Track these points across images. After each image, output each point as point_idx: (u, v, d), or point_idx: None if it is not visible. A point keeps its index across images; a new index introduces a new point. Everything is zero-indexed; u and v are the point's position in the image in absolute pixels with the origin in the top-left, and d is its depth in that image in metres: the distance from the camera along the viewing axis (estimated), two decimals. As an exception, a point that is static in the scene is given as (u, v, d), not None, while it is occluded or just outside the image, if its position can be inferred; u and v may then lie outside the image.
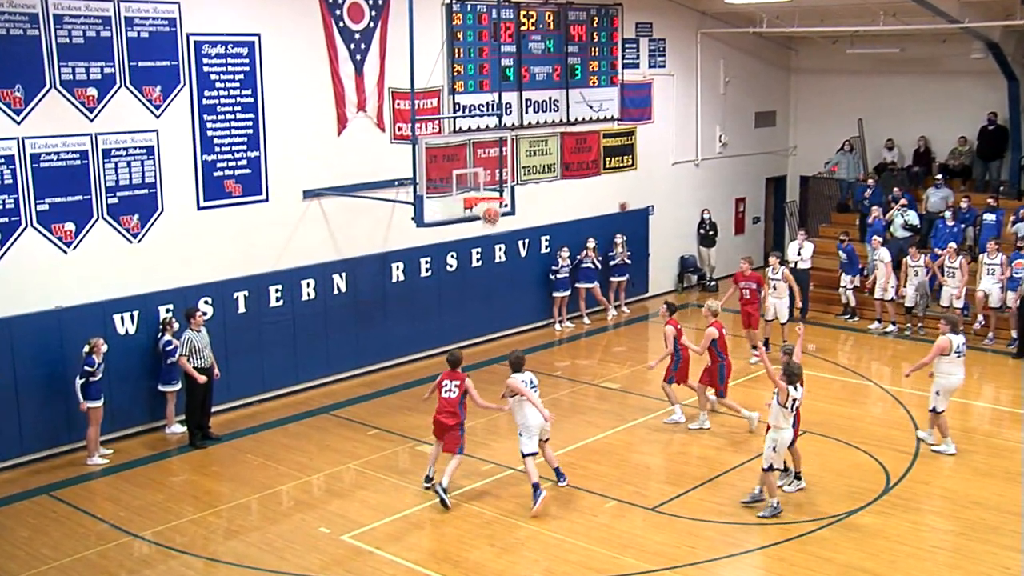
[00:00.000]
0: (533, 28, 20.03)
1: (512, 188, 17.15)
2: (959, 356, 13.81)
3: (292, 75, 16.62)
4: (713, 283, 24.43)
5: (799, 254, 20.94)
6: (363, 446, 14.66)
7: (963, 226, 21.10)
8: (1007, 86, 22.75)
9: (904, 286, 20.06)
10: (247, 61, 16.04)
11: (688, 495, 12.70)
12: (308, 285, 17.00)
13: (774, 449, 12.04)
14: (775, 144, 26.86)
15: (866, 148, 25.50)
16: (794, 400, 12.11)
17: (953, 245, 19.73)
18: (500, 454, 14.20)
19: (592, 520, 12.20)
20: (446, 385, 12.84)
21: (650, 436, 14.91)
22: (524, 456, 12.51)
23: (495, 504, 12.66)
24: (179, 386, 15.02)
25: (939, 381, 13.94)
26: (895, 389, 16.87)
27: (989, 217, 20.67)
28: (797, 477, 12.89)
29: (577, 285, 20.84)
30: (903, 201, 21.81)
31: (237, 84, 15.96)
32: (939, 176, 22.68)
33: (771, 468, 12.08)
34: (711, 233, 24.36)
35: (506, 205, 16.61)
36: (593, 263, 20.95)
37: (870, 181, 23.41)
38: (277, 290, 16.62)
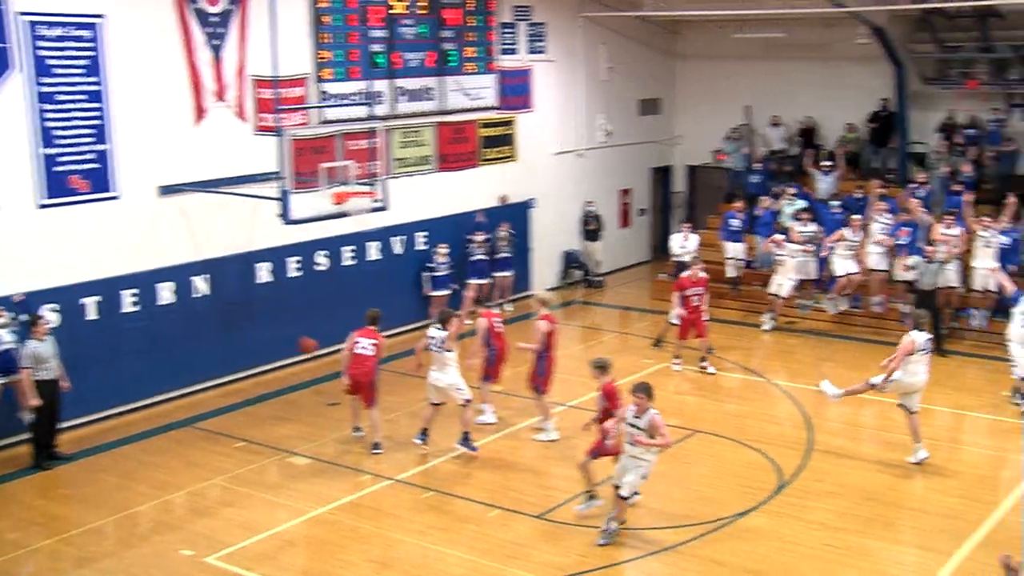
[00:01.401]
0: (405, 12, 19.89)
1: (385, 182, 17.02)
2: (923, 354, 13.66)
3: (143, 61, 16.14)
4: (599, 278, 24.69)
5: (683, 246, 21.36)
6: (230, 460, 14.35)
7: (848, 213, 21.71)
8: (893, 72, 23.58)
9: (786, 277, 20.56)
10: (91, 45, 15.50)
11: (576, 501, 12.77)
12: (166, 288, 16.57)
13: (643, 477, 11.76)
14: (661, 133, 27.30)
15: (754, 136, 26.09)
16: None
17: (858, 217, 20.45)
18: (375, 465, 14.09)
19: (476, 530, 12.18)
20: (360, 342, 14.21)
21: (535, 440, 14.96)
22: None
23: (373, 517, 12.54)
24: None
25: (906, 381, 13.73)
26: (787, 385, 17.30)
27: (881, 204, 21.35)
28: (591, 498, 12.55)
29: (470, 281, 20.62)
30: (791, 190, 22.41)
31: (81, 70, 15.41)
32: (827, 163, 23.36)
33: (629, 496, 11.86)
34: (596, 227, 24.63)
35: (379, 200, 16.47)
36: (487, 254, 21.08)
37: (756, 165, 23.96)
38: (133, 294, 16.15)
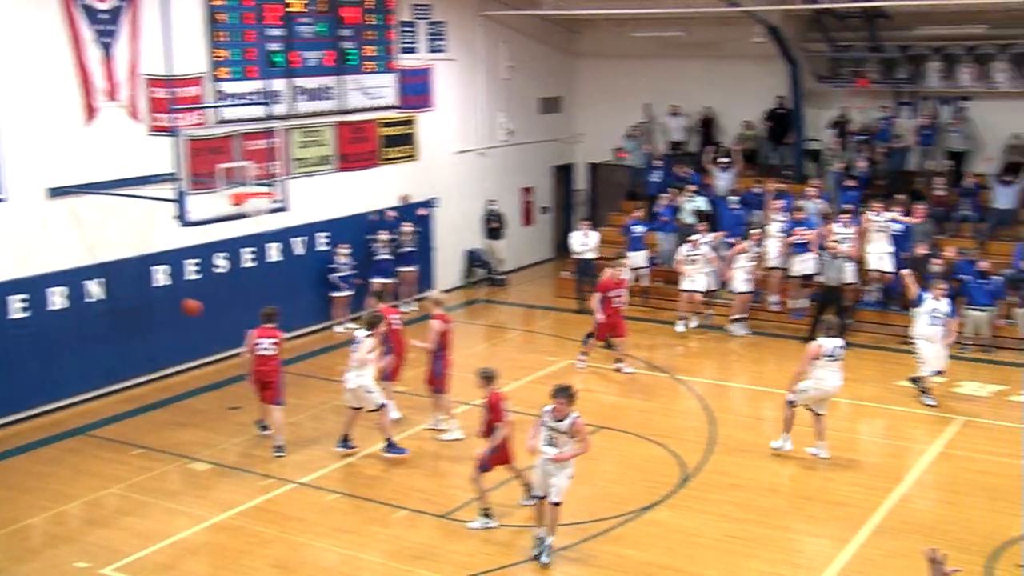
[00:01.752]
0: (302, 10, 19.70)
1: (284, 182, 16.87)
2: (832, 360, 13.70)
3: (28, 59, 15.72)
4: (502, 277, 24.79)
5: (584, 244, 21.56)
6: (127, 468, 14.07)
7: (746, 209, 22.17)
8: (788, 70, 24.12)
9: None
10: (-27, 42, 15.07)
11: (501, 489, 12.77)
12: (58, 293, 16.18)
13: (570, 477, 11.53)
14: (562, 131, 27.50)
15: (655, 133, 26.44)
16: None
17: (757, 232, 20.77)
18: (279, 468, 13.97)
19: (382, 532, 12.16)
20: (261, 343, 14.28)
21: (438, 440, 14.97)
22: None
23: (277, 522, 12.43)
24: None
25: (811, 384, 13.86)
26: (689, 379, 17.58)
27: (777, 202, 21.78)
28: (485, 515, 12.31)
29: (373, 280, 20.50)
30: (692, 187, 22.78)
31: (-37, 69, 14.98)
32: (725, 159, 23.81)
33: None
34: (498, 225, 24.74)
35: (279, 201, 16.32)
36: (391, 253, 21.08)
37: (657, 162, 24.29)
38: (21, 300, 15.73)
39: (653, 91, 26.24)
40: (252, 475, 13.74)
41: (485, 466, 12.17)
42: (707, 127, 25.78)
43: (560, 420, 11.18)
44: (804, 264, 20.24)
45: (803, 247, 20.11)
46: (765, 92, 24.84)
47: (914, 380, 16.47)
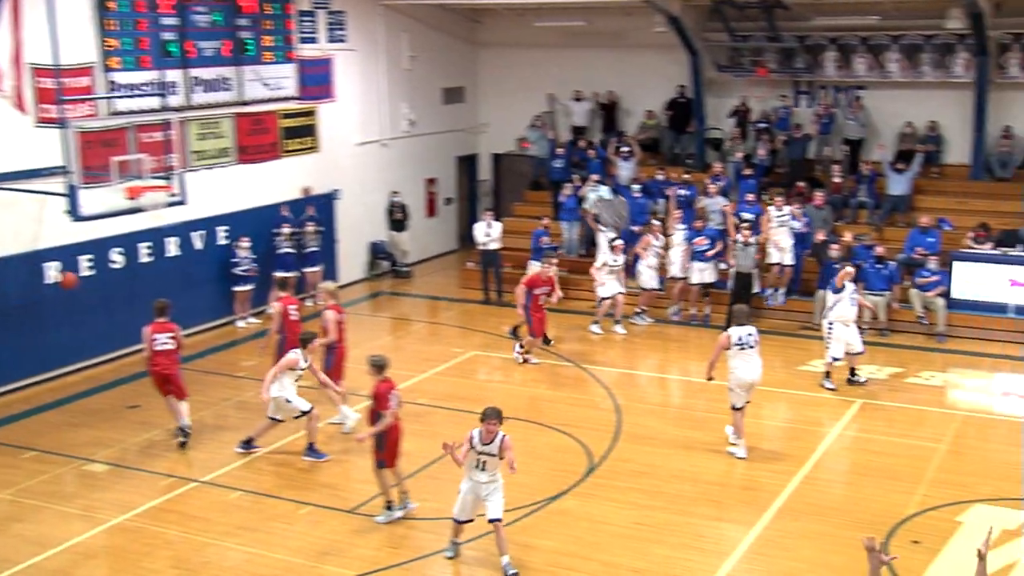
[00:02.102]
0: (197, -2, 19.38)
1: (182, 175, 16.57)
2: (742, 348, 13.65)
3: (-91, 48, 15.19)
4: (406, 268, 24.71)
5: (487, 234, 21.55)
6: (19, 471, 13.69)
7: (649, 200, 22.40)
8: (689, 60, 24.42)
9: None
10: None
11: (407, 481, 12.72)
12: (-57, 292, 15.69)
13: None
14: (465, 121, 27.48)
15: (557, 123, 26.57)
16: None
17: (657, 224, 20.92)
18: (180, 467, 13.74)
19: (287, 529, 12.04)
20: (158, 338, 14.14)
21: (342, 433, 14.86)
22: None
23: (179, 522, 12.22)
24: None
25: (728, 376, 13.92)
26: (596, 369, 17.73)
27: (682, 192, 22.05)
28: (388, 508, 12.28)
29: (275, 273, 20.14)
30: (594, 177, 22.92)
31: None
32: (625, 148, 24.03)
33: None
34: (402, 217, 24.64)
35: (175, 194, 16.02)
36: (294, 248, 20.85)
37: (560, 151, 24.39)
38: (-97, 300, 15.23)
39: (557, 81, 26.37)
40: (152, 475, 13.49)
41: (382, 462, 12.08)
42: (610, 112, 25.97)
43: (489, 443, 10.91)
44: (703, 273, 20.38)
45: (703, 256, 20.26)
46: (668, 81, 25.14)
47: (834, 361, 16.62)
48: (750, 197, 21.35)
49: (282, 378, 13.81)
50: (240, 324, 20.25)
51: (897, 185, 21.88)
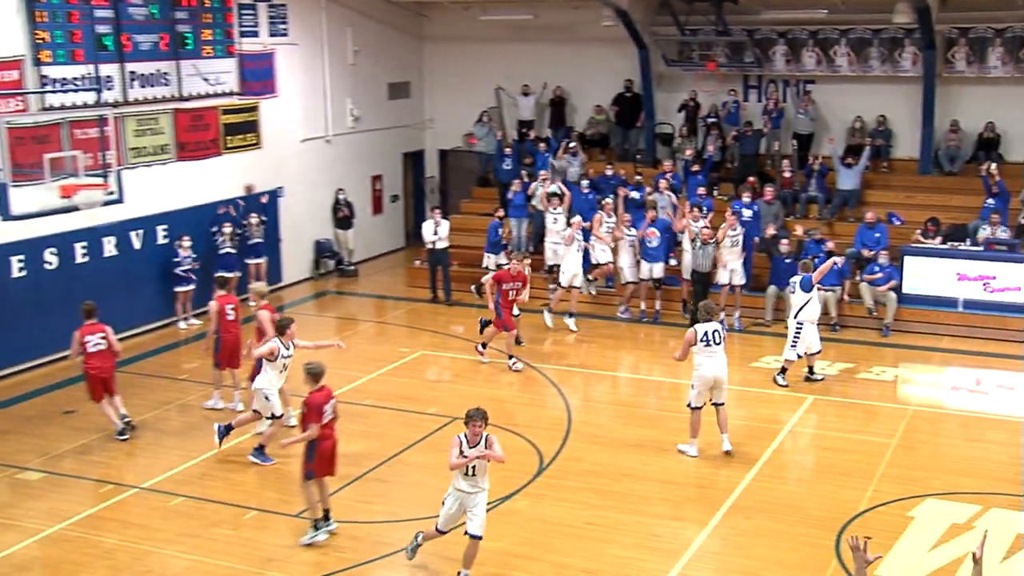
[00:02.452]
0: (133, -10, 19.08)
1: (119, 173, 16.32)
2: (707, 345, 13.49)
3: None
4: (352, 267, 24.54)
5: (435, 233, 21.39)
6: (-51, 481, 13.40)
7: (597, 195, 22.37)
8: (638, 55, 24.48)
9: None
10: None
11: (335, 496, 12.63)
12: None
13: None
14: (411, 117, 27.35)
15: (505, 119, 26.52)
16: None
17: (608, 200, 20.90)
18: (118, 474, 13.51)
19: (232, 535, 11.87)
20: (90, 340, 14.04)
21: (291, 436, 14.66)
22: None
23: (117, 529, 12.00)
24: None
25: (693, 374, 13.78)
26: (544, 367, 17.70)
27: (634, 193, 22.00)
28: (326, 518, 11.85)
29: (217, 274, 19.90)
30: (543, 173, 22.88)
31: None
32: (572, 144, 24.04)
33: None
34: (347, 214, 24.48)
35: (112, 192, 15.77)
36: (235, 247, 20.65)
37: (508, 150, 24.37)
38: None
39: (503, 76, 26.33)
40: (89, 482, 13.24)
41: (310, 473, 11.66)
42: (558, 107, 25.95)
43: (475, 445, 10.55)
44: (654, 267, 20.37)
45: (657, 250, 20.28)
46: (616, 76, 25.21)
47: (796, 358, 16.70)
48: (700, 192, 21.42)
49: (268, 370, 13.60)
50: (182, 325, 19.98)
51: (847, 180, 22.09)
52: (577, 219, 20.15)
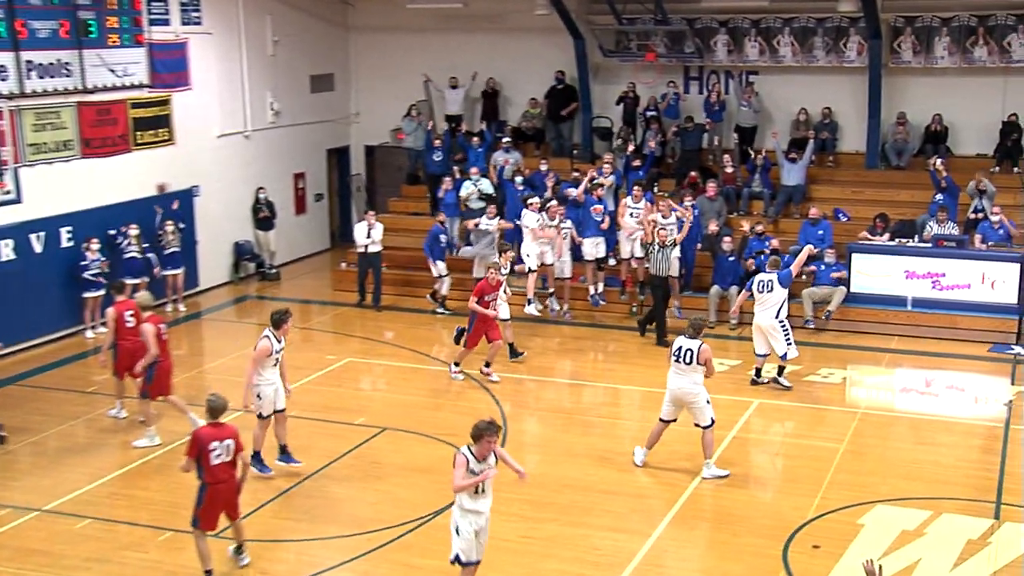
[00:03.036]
0: (29, -27, 18.69)
1: (15, 171, 15.98)
2: (676, 361, 13.38)
3: None
4: (274, 270, 24.32)
5: (369, 236, 21.19)
6: None
7: (533, 191, 22.31)
8: (574, 45, 24.53)
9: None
10: None
11: (256, 514, 12.47)
12: None
13: None
14: (335, 111, 27.19)
15: (434, 112, 26.44)
16: None
17: (535, 200, 20.85)
18: (17, 496, 13.22)
19: (143, 558, 11.67)
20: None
21: (133, 447, 14.51)
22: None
23: (16, 558, 11.68)
24: None
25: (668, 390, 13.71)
26: (476, 373, 17.65)
27: (571, 189, 22.02)
28: (239, 551, 11.47)
29: (115, 281, 19.61)
30: (474, 170, 22.83)
31: None
32: (506, 139, 24.02)
33: None
34: (268, 214, 24.25)
35: (9, 191, 15.42)
36: (141, 252, 20.28)
37: (437, 142, 24.25)
38: None
39: (433, 67, 26.23)
40: (-13, 503, 12.95)
41: (195, 520, 10.96)
42: (491, 100, 25.91)
43: (482, 461, 10.17)
44: (598, 247, 20.52)
45: (597, 228, 20.34)
46: (551, 67, 25.23)
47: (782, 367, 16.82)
48: (636, 190, 21.37)
49: (262, 370, 13.32)
50: (89, 334, 19.61)
51: (791, 175, 22.32)
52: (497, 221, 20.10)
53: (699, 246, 20.94)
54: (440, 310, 21.21)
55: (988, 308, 19.40)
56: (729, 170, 22.85)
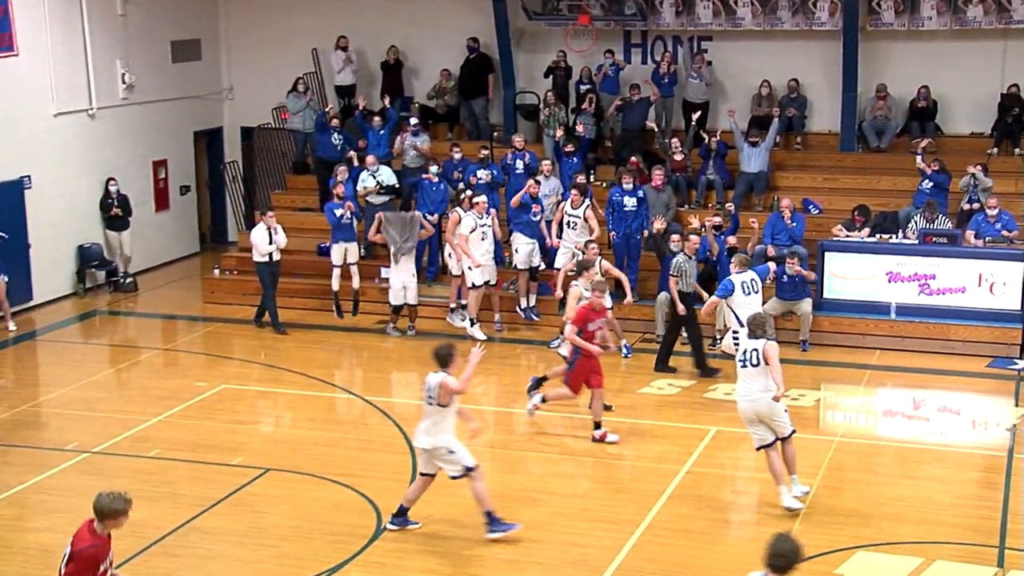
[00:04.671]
0: None
1: None
2: (743, 366, 13.72)
3: None
4: (130, 279, 24.09)
5: (272, 242, 20.68)
6: None
7: (443, 185, 22.27)
8: (493, 7, 24.62)
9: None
10: None
11: (134, 562, 12.27)
12: None
13: None
14: (204, 85, 27.10)
15: (326, 88, 26.36)
16: None
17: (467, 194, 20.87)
18: None
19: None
20: None
21: (49, 501, 14.26)
22: None
23: None
24: None
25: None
26: (383, 400, 17.58)
27: (484, 173, 22.09)
28: None
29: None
30: (371, 158, 22.62)
31: None
32: (413, 121, 23.97)
33: None
34: (121, 211, 23.99)
35: None
36: None
37: (335, 122, 24.13)
38: None
39: (325, 34, 26.19)
40: None
41: None
42: (393, 73, 25.87)
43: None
44: (532, 254, 20.62)
45: (532, 229, 20.37)
46: (466, 34, 25.24)
47: None
48: (580, 179, 21.42)
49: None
50: None
51: (752, 160, 22.52)
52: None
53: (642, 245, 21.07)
54: (339, 317, 21.31)
55: (986, 316, 19.76)
56: (678, 156, 22.97)
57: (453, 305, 20.80)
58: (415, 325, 20.74)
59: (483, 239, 20.21)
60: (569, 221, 20.44)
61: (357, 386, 18.51)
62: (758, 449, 13.86)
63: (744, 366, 13.72)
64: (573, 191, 20.69)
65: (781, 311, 19.89)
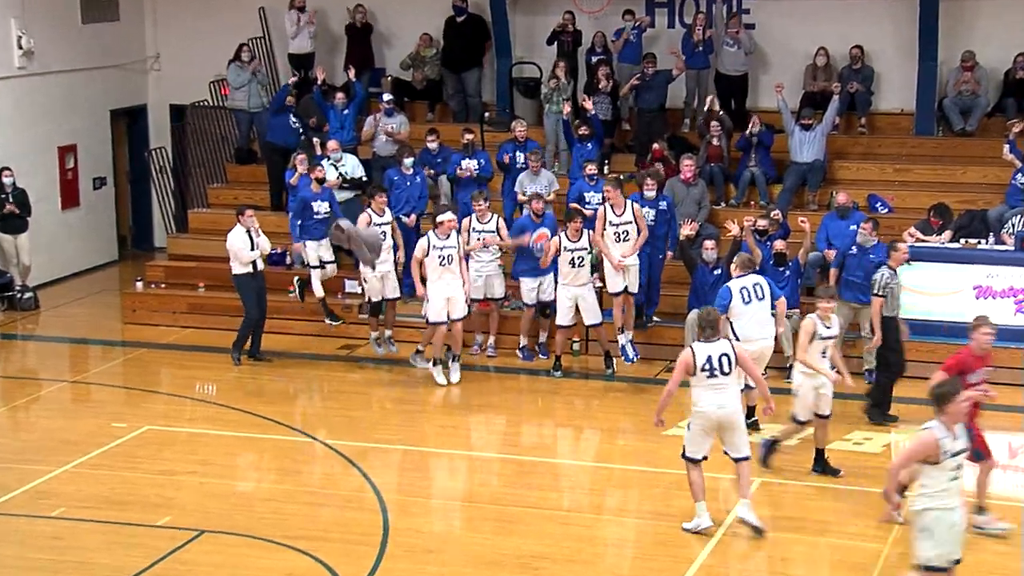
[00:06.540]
0: None
1: None
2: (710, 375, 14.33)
3: None
4: (29, 294, 24.09)
5: (254, 248, 20.45)
6: None
7: (419, 179, 22.23)
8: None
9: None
10: None
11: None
12: None
13: None
14: (123, 53, 27.27)
15: (277, 57, 26.61)
16: None
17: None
18: None
19: None
20: None
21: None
22: None
23: None
24: None
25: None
26: (348, 445, 17.52)
27: (469, 164, 22.08)
28: None
29: None
30: (333, 144, 22.55)
31: None
32: (387, 98, 23.92)
33: None
34: (17, 210, 23.96)
35: None
36: None
37: (291, 99, 24.08)
38: None
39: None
40: None
41: None
42: (361, 38, 25.87)
43: None
44: (538, 290, 20.60)
45: (535, 263, 20.31)
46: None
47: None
48: (590, 170, 21.37)
49: None
50: None
51: (805, 148, 22.48)
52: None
53: (670, 253, 20.97)
54: (331, 322, 21.29)
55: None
56: (715, 142, 22.87)
57: (421, 347, 20.50)
58: (393, 335, 20.81)
59: (443, 264, 19.55)
60: (616, 228, 19.73)
61: (316, 426, 18.43)
62: (684, 457, 14.56)
63: (713, 375, 14.19)
64: (608, 186, 19.97)
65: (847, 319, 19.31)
